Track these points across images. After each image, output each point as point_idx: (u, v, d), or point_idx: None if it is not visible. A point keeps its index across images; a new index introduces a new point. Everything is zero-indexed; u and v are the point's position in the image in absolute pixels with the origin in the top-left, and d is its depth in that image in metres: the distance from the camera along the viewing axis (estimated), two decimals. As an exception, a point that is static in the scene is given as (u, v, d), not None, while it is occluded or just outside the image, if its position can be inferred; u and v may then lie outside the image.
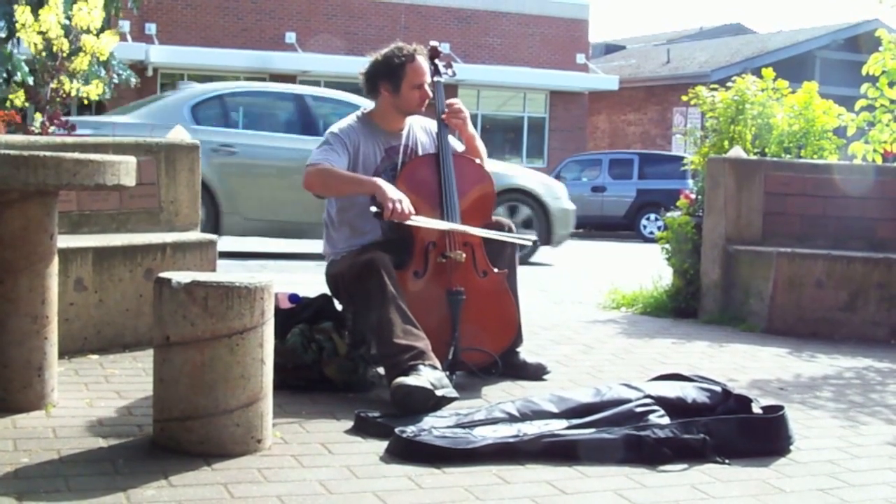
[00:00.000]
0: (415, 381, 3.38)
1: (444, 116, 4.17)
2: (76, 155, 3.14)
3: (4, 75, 11.06)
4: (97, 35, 9.51)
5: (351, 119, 4.17)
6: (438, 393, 3.38)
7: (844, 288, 5.91)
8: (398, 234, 3.95)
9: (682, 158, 10.08)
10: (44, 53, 9.40)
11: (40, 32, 9.14)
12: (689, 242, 6.52)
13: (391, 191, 3.83)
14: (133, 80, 13.97)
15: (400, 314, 3.65)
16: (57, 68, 9.62)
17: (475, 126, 4.42)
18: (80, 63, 9.46)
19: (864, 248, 6.25)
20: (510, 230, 4.18)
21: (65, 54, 9.44)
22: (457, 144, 4.30)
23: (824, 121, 6.90)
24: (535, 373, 4.20)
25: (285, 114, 10.60)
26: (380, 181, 3.89)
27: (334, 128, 4.12)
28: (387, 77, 4.10)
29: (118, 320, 4.40)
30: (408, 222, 3.83)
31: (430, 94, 4.14)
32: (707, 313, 6.28)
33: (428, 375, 3.43)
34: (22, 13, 9.05)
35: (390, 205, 3.77)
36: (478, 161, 4.23)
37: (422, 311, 3.76)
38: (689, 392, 3.45)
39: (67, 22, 9.38)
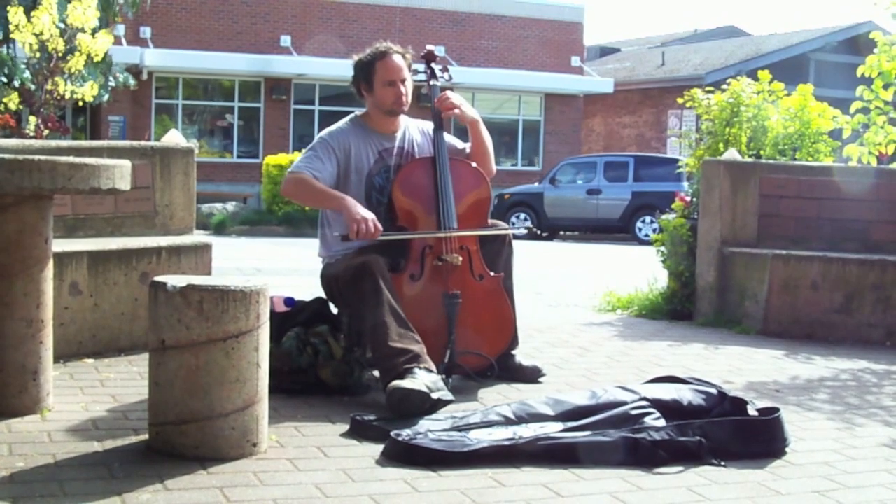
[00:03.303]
0: (410, 385, 3.38)
1: (443, 115, 4.16)
2: (71, 159, 3.14)
3: (3, 79, 11.03)
4: (92, 34, 9.49)
5: (344, 122, 4.17)
6: (434, 396, 3.38)
7: (840, 290, 5.91)
8: (344, 233, 3.93)
9: (677, 161, 10.10)
10: (38, 54, 9.37)
11: (35, 34, 9.11)
12: (685, 245, 6.52)
13: (357, 210, 3.81)
14: (131, 82, 13.97)
15: (395, 317, 3.65)
16: (52, 69, 9.60)
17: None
18: (76, 63, 9.44)
19: (859, 250, 6.26)
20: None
21: (60, 54, 9.42)
22: (456, 143, 4.30)
23: (819, 123, 6.91)
24: (531, 375, 4.20)
25: None
26: (348, 199, 3.88)
27: (325, 132, 4.12)
28: (362, 77, 4.13)
29: (113, 324, 4.39)
30: (379, 238, 3.82)
31: (404, 91, 4.10)
32: (702, 316, 6.28)
33: (423, 379, 3.43)
34: (15, 14, 9.02)
35: (354, 226, 3.76)
36: (474, 165, 4.22)
37: (418, 314, 3.77)
38: (685, 394, 3.45)
39: (63, 25, 9.36)
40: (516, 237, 4.33)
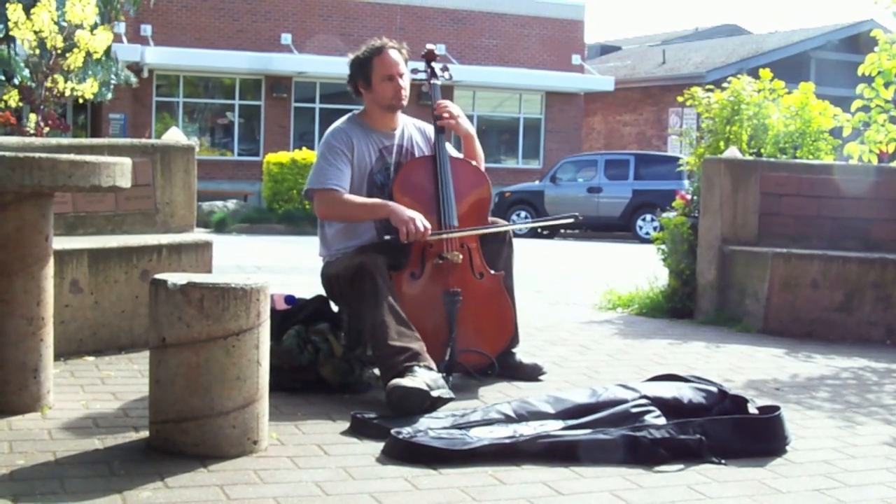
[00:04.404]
0: (410, 383, 3.38)
1: (439, 123, 4.16)
2: (71, 157, 3.13)
3: (1, 77, 11.04)
4: (91, 31, 9.49)
5: (342, 122, 4.16)
6: (434, 394, 3.38)
7: (840, 288, 5.91)
8: (394, 236, 3.95)
9: (677, 159, 10.10)
10: (37, 51, 9.39)
11: (34, 31, 9.12)
12: (685, 243, 6.52)
13: (405, 212, 3.84)
14: (133, 80, 13.98)
15: (394, 316, 3.65)
16: (51, 67, 9.60)
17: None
18: (75, 60, 9.44)
19: (860, 249, 6.26)
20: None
21: (59, 51, 9.42)
22: (453, 151, 4.29)
23: (820, 121, 6.91)
24: (531, 374, 4.20)
25: None
26: (392, 204, 3.90)
27: (328, 136, 4.10)
28: (360, 74, 4.12)
29: (114, 322, 4.39)
30: (427, 238, 3.83)
31: (404, 85, 4.09)
32: (703, 314, 6.28)
33: (423, 377, 3.43)
34: (14, 11, 9.03)
35: (404, 227, 3.78)
36: (474, 163, 4.22)
37: (419, 313, 3.77)
38: (686, 392, 3.45)
39: (62, 22, 9.37)
40: (566, 230, 4.34)
